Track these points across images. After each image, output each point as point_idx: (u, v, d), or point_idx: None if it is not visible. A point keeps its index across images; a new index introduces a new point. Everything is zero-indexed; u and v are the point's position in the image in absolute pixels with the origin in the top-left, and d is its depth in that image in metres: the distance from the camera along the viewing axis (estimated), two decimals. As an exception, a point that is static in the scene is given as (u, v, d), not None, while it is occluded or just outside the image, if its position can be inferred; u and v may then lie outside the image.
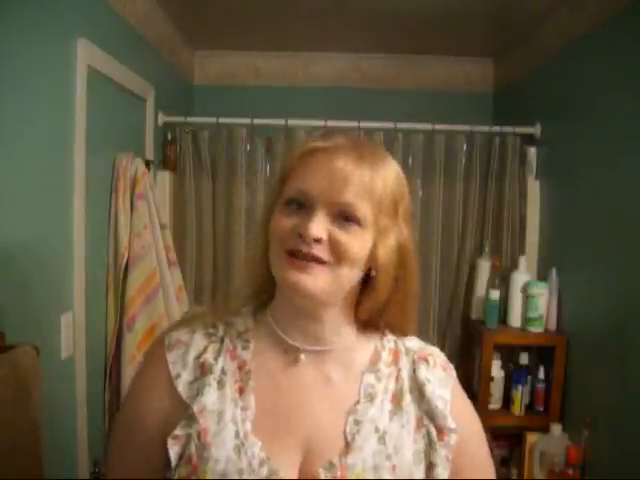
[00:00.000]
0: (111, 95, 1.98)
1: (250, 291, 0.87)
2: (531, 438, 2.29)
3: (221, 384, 0.79)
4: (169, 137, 2.60)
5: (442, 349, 2.82)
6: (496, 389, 2.37)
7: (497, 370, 2.37)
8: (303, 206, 0.77)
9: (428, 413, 0.82)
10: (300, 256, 0.75)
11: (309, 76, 3.14)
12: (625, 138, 1.89)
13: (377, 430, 0.79)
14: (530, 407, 2.35)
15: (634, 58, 1.84)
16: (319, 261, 0.75)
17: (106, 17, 1.91)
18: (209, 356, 0.81)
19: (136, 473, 0.81)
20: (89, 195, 1.76)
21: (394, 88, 3.12)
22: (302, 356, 0.82)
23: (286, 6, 2.38)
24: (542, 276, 2.42)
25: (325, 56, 3.12)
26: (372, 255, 0.79)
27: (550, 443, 2.19)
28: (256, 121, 2.51)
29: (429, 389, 0.83)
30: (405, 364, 0.85)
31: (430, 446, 0.80)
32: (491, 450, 2.58)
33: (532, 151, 2.56)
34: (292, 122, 2.50)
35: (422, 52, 3.02)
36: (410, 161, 2.63)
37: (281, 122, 2.50)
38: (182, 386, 0.79)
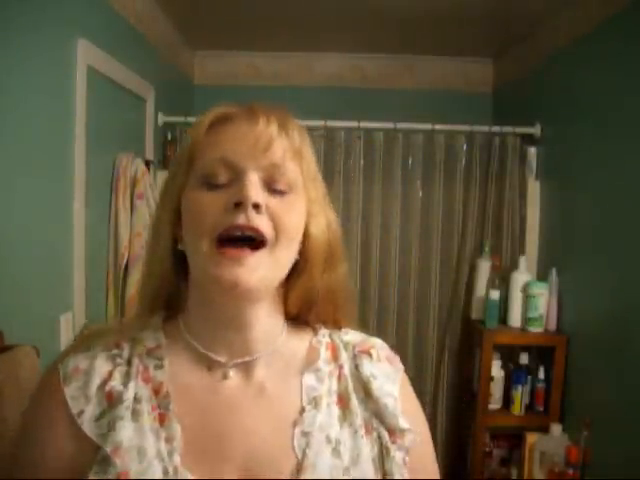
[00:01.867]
0: (111, 95, 1.99)
1: (155, 300, 0.74)
2: (531, 438, 2.29)
3: (136, 414, 0.65)
4: (169, 137, 2.60)
5: (442, 349, 2.82)
6: (496, 389, 2.37)
7: (497, 370, 2.37)
8: (226, 180, 0.65)
9: (377, 414, 0.71)
10: (234, 240, 0.63)
11: (309, 76, 3.14)
12: (625, 138, 1.89)
13: (329, 440, 0.67)
14: (530, 407, 2.35)
15: (634, 58, 1.84)
16: (256, 243, 0.64)
17: (106, 17, 1.91)
18: (116, 383, 0.67)
19: None
20: (89, 195, 1.76)
21: (394, 88, 3.12)
22: (231, 372, 0.70)
23: (286, 6, 2.38)
24: (542, 276, 2.42)
25: (325, 56, 3.12)
26: (305, 231, 0.70)
27: (550, 443, 2.19)
28: (256, 121, 2.51)
29: (375, 386, 0.72)
30: (346, 360, 0.74)
31: (383, 452, 0.69)
32: (491, 450, 2.57)
33: (532, 151, 2.56)
34: (292, 122, 2.50)
35: (422, 52, 3.02)
36: (410, 161, 2.63)
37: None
38: (87, 424, 0.65)
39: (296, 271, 0.71)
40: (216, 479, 0.64)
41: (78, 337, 0.71)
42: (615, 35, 1.96)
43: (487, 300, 2.40)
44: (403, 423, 0.70)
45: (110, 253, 1.96)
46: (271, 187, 0.66)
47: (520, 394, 2.33)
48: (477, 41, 2.82)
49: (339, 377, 0.73)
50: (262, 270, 0.64)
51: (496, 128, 2.59)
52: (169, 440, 0.65)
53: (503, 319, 2.43)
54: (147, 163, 2.17)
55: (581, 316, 2.19)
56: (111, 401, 0.66)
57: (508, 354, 2.46)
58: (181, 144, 2.60)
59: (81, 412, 0.66)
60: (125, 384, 0.67)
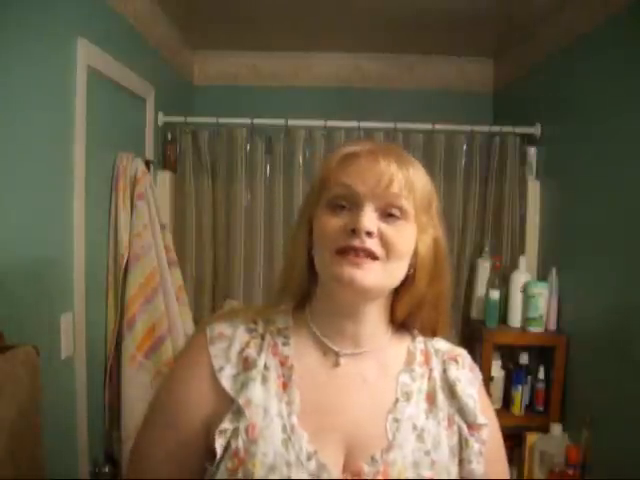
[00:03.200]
0: (111, 95, 1.98)
1: (289, 291, 0.88)
2: (531, 438, 2.29)
3: (264, 379, 0.81)
4: (169, 137, 2.60)
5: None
6: (496, 389, 2.37)
7: (497, 370, 2.38)
8: (348, 205, 0.80)
9: (459, 411, 0.85)
10: (352, 253, 0.77)
11: (309, 76, 3.14)
12: (625, 138, 1.89)
13: (415, 428, 0.82)
14: (530, 407, 2.35)
15: (634, 58, 1.84)
16: (371, 256, 0.78)
17: (106, 17, 1.91)
18: (252, 351, 0.82)
19: (171, 459, 0.82)
20: (89, 195, 1.76)
21: (394, 88, 3.12)
22: (342, 360, 0.84)
23: (286, 6, 2.38)
24: (542, 276, 2.42)
25: (325, 56, 3.11)
26: (415, 251, 0.83)
27: (550, 443, 2.19)
28: (256, 121, 2.51)
29: (460, 388, 0.86)
30: (436, 364, 0.88)
31: (462, 443, 0.84)
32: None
33: (532, 151, 2.56)
34: (292, 122, 2.51)
35: (422, 52, 3.02)
36: (410, 161, 2.63)
37: (281, 122, 2.50)
38: (225, 379, 0.80)
39: (405, 282, 0.84)
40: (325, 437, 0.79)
41: (221, 311, 0.91)
42: (615, 35, 1.96)
43: (487, 300, 2.41)
44: (481, 419, 0.85)
45: (110, 253, 1.96)
46: (385, 214, 0.80)
47: (520, 394, 2.33)
48: (477, 41, 2.82)
49: (429, 378, 0.87)
50: (375, 275, 0.78)
51: (496, 128, 2.59)
52: (289, 403, 0.80)
53: (503, 319, 2.43)
54: (147, 163, 2.17)
55: (581, 316, 2.19)
56: (246, 365, 0.82)
57: (508, 354, 2.46)
58: (181, 144, 2.60)
59: (221, 368, 0.81)
60: (258, 354, 0.83)
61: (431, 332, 0.91)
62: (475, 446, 0.84)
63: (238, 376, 0.81)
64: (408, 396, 0.84)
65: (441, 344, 0.92)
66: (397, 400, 0.84)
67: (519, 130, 2.57)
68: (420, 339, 0.91)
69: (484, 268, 2.50)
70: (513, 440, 2.43)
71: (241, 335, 0.84)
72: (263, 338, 0.85)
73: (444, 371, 0.88)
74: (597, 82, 2.08)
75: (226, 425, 0.78)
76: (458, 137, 2.61)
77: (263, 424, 0.78)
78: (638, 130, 1.81)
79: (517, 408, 2.33)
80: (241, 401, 0.78)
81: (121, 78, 2.00)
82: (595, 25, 2.06)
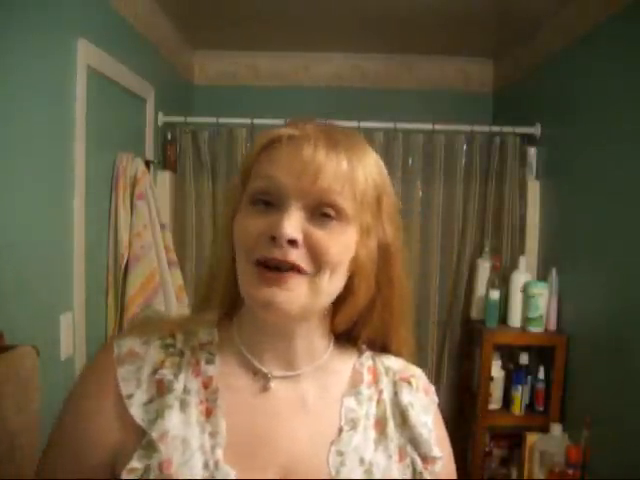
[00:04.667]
0: (111, 95, 1.98)
1: (213, 300, 0.75)
2: (531, 438, 2.29)
3: (184, 405, 0.67)
4: (169, 137, 2.60)
5: (442, 349, 2.81)
6: (496, 389, 2.37)
7: (497, 370, 2.38)
8: (272, 204, 0.65)
9: (412, 441, 0.73)
10: (273, 266, 0.63)
11: (309, 76, 3.14)
12: (625, 138, 1.88)
13: (362, 462, 0.69)
14: (530, 407, 2.35)
15: (634, 58, 1.84)
16: (296, 270, 0.64)
17: (106, 17, 1.91)
18: (167, 372, 0.68)
19: None
20: (89, 195, 1.76)
21: (394, 88, 3.12)
22: (272, 384, 0.71)
23: (286, 6, 2.38)
24: (542, 276, 2.42)
25: (325, 56, 3.12)
26: (354, 257, 0.68)
27: (550, 443, 2.19)
28: (256, 121, 2.51)
29: (413, 415, 0.74)
30: (386, 385, 0.75)
31: (417, 476, 0.72)
32: (491, 450, 2.56)
33: (532, 151, 2.56)
34: (292, 122, 2.50)
35: (422, 52, 3.02)
36: (410, 161, 2.63)
37: (281, 122, 2.48)
38: (135, 409, 0.66)
39: (345, 290, 0.70)
40: (257, 479, 0.66)
41: (134, 321, 0.73)
42: (615, 35, 1.96)
43: (487, 300, 2.41)
44: (436, 452, 0.73)
45: (110, 253, 1.96)
46: (317, 214, 0.65)
47: (520, 394, 2.33)
48: (477, 41, 2.82)
49: (378, 401, 0.74)
50: (301, 297, 0.65)
51: (496, 128, 2.59)
52: (213, 434, 0.66)
53: (503, 319, 2.43)
54: (147, 163, 2.17)
55: (581, 316, 2.19)
56: (161, 389, 0.67)
57: (508, 354, 2.46)
58: (181, 144, 2.60)
59: (130, 395, 0.67)
60: (176, 374, 0.68)
61: (381, 346, 0.78)
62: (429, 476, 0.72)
63: (151, 403, 0.66)
64: (354, 424, 0.71)
65: (392, 362, 0.78)
66: (341, 429, 0.71)
67: (519, 130, 2.57)
68: (368, 354, 0.77)
69: (484, 268, 2.51)
70: (513, 440, 2.44)
71: (155, 353, 0.69)
72: (182, 355, 0.70)
73: (395, 394, 0.75)
74: (597, 82, 2.08)
75: (135, 464, 0.63)
76: (458, 137, 2.62)
77: (181, 460, 0.64)
78: (638, 130, 1.81)
79: (517, 408, 2.33)
80: (154, 434, 0.64)
81: (121, 78, 2.00)
82: (595, 25, 2.06)
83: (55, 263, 1.61)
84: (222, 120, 2.52)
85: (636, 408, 1.76)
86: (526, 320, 2.34)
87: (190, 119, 2.58)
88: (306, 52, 3.08)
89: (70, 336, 1.67)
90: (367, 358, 0.77)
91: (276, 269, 0.63)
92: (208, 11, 2.46)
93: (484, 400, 2.33)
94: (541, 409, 2.33)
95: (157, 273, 2.05)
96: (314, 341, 0.73)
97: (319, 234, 0.64)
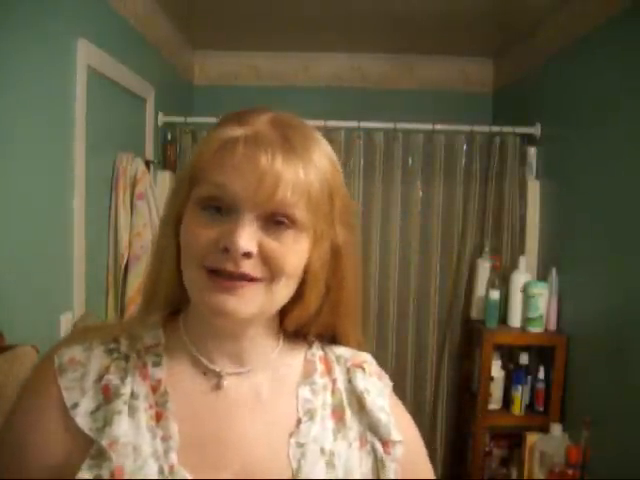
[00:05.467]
0: (111, 95, 1.99)
1: (156, 303, 0.72)
2: (531, 438, 2.29)
3: (132, 410, 0.64)
4: (169, 137, 2.60)
5: (442, 349, 2.82)
6: (496, 389, 2.37)
7: (497, 370, 2.38)
8: (222, 209, 0.63)
9: (370, 427, 0.72)
10: (225, 275, 0.62)
11: (309, 76, 3.14)
12: (625, 138, 1.89)
13: (323, 452, 0.68)
14: (530, 407, 2.35)
15: (634, 58, 1.84)
16: (249, 279, 0.62)
17: (106, 17, 1.91)
18: (113, 377, 0.65)
19: None
20: (89, 195, 1.76)
21: (394, 88, 3.12)
22: (225, 382, 0.69)
23: (286, 6, 2.38)
24: (542, 276, 2.42)
25: (325, 56, 3.12)
26: (306, 262, 0.67)
27: (550, 443, 2.19)
28: (256, 121, 2.51)
29: (369, 400, 0.72)
30: (339, 374, 0.74)
31: (379, 463, 0.70)
32: (491, 450, 2.56)
33: (532, 151, 2.56)
34: (292, 122, 2.50)
35: (422, 52, 3.02)
36: (410, 161, 2.63)
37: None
38: (81, 417, 0.63)
39: (295, 295, 0.68)
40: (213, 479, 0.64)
41: (73, 329, 0.69)
42: (615, 35, 1.96)
43: (487, 300, 2.41)
44: (396, 435, 0.71)
45: (110, 253, 1.96)
46: (270, 221, 0.63)
47: (520, 394, 2.33)
48: (477, 41, 2.82)
49: (333, 390, 0.73)
50: (255, 303, 0.63)
51: (496, 128, 2.59)
52: (165, 439, 0.64)
53: (503, 319, 2.43)
54: (147, 163, 2.17)
55: (581, 316, 2.19)
56: (107, 395, 0.64)
57: (508, 354, 2.46)
58: (181, 144, 2.60)
59: (75, 404, 0.64)
60: (122, 379, 0.66)
61: (331, 339, 0.77)
62: (391, 466, 0.70)
63: (98, 411, 0.64)
64: (311, 414, 0.70)
65: (342, 350, 0.77)
66: (299, 420, 0.69)
67: (519, 130, 2.57)
68: (317, 345, 0.76)
69: (484, 268, 2.50)
70: (513, 440, 2.44)
71: (99, 358, 0.66)
72: (127, 359, 0.67)
73: (349, 381, 0.74)
74: (597, 82, 2.08)
75: (85, 474, 0.61)
76: (458, 137, 2.62)
77: (134, 467, 0.61)
78: (638, 130, 1.81)
79: (517, 408, 2.33)
80: (104, 442, 0.61)
81: (121, 78, 2.00)
82: (595, 25, 2.06)
83: (55, 263, 1.61)
84: (222, 120, 2.52)
85: (636, 408, 1.76)
86: (526, 320, 2.34)
87: (190, 119, 2.58)
88: (306, 52, 3.08)
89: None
90: (317, 349, 0.76)
91: (228, 277, 0.62)
92: (208, 11, 2.46)
93: (484, 400, 2.33)
94: (541, 409, 2.33)
95: (157, 273, 2.05)
96: (262, 341, 0.71)
97: (273, 245, 0.63)
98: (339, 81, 3.13)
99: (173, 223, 0.67)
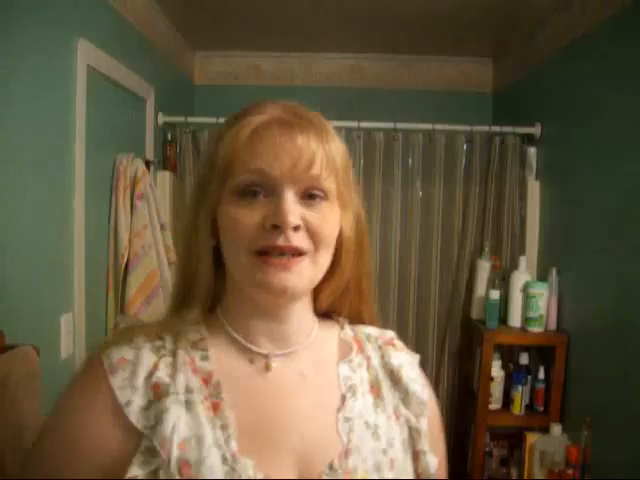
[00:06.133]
0: (111, 95, 1.99)
1: (194, 297, 0.74)
2: (531, 438, 2.29)
3: (189, 404, 0.67)
4: (169, 137, 2.60)
5: (442, 349, 2.82)
6: (496, 389, 2.37)
7: (497, 370, 2.38)
8: (260, 193, 0.67)
9: (404, 399, 0.77)
10: (275, 253, 0.66)
11: (309, 76, 3.14)
12: (625, 138, 1.88)
13: (368, 425, 0.73)
14: (530, 407, 2.35)
15: (634, 58, 1.84)
16: (298, 252, 0.67)
17: (106, 17, 1.91)
18: (162, 374, 0.68)
19: None
20: (89, 195, 1.76)
21: (394, 88, 3.12)
22: (273, 364, 0.73)
23: (286, 6, 2.38)
24: (542, 276, 2.42)
25: (325, 56, 3.12)
26: (340, 231, 0.73)
27: (550, 443, 2.19)
28: (256, 121, 2.51)
29: (404, 374, 0.78)
30: (372, 351, 0.79)
31: (413, 434, 0.76)
32: (491, 450, 2.56)
33: (532, 151, 2.56)
34: (292, 122, 2.50)
35: (422, 52, 3.02)
36: (410, 161, 2.63)
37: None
38: (134, 415, 0.65)
39: (330, 267, 0.73)
40: (274, 463, 0.67)
41: (114, 331, 0.73)
42: (615, 35, 1.96)
43: (487, 300, 2.41)
44: (427, 410, 0.78)
45: (110, 253, 1.96)
46: (306, 196, 0.68)
47: (520, 394, 2.32)
48: (477, 41, 2.82)
49: (368, 367, 0.78)
50: (306, 275, 0.68)
51: (496, 128, 2.59)
52: (224, 427, 0.67)
53: (503, 319, 2.43)
54: (147, 163, 2.17)
55: (581, 316, 2.19)
56: (157, 392, 0.67)
57: (508, 354, 2.46)
58: (181, 144, 2.60)
59: (128, 402, 0.66)
60: (172, 376, 0.68)
61: (356, 318, 0.82)
62: (424, 432, 0.76)
63: (149, 409, 0.66)
64: (353, 390, 0.74)
65: (369, 329, 0.82)
66: (344, 396, 0.73)
67: (519, 130, 2.57)
68: (347, 326, 0.81)
69: (484, 268, 2.50)
70: (513, 440, 2.44)
71: (147, 356, 0.69)
72: (175, 355, 0.70)
73: (382, 357, 0.79)
74: (597, 82, 2.08)
75: (135, 470, 0.63)
76: (458, 137, 2.62)
77: (199, 458, 0.64)
78: (638, 130, 1.81)
79: (517, 408, 2.33)
80: (156, 440, 0.64)
81: (121, 78, 2.00)
82: (595, 25, 2.06)
83: (55, 263, 1.61)
84: (222, 120, 2.50)
85: (636, 408, 1.76)
86: (526, 320, 2.34)
87: (190, 119, 2.58)
88: (306, 52, 3.08)
89: (70, 336, 1.67)
90: (348, 329, 0.81)
91: (279, 255, 0.66)
92: (208, 11, 2.46)
93: (484, 400, 2.33)
94: (541, 409, 2.33)
95: (157, 273, 2.05)
96: (305, 319, 0.76)
97: (314, 217, 0.68)
98: (339, 81, 3.13)
99: (206, 219, 0.70)
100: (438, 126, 2.56)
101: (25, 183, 1.44)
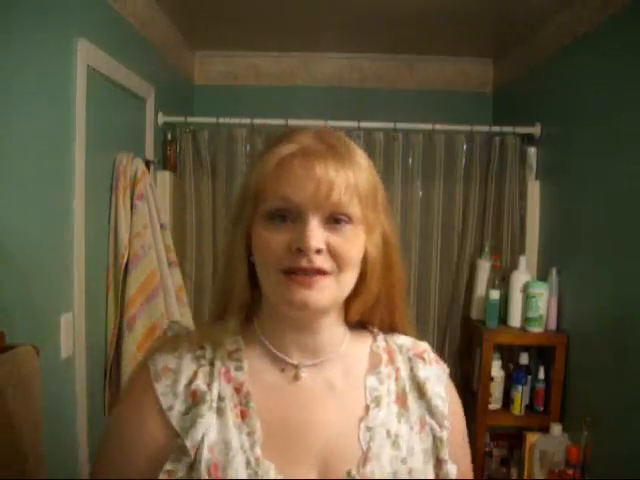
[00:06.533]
0: (111, 95, 1.98)
1: (232, 308, 0.81)
2: (531, 438, 2.29)
3: (220, 411, 0.74)
4: (169, 137, 2.60)
5: (442, 349, 2.83)
6: (496, 389, 2.37)
7: (497, 370, 2.38)
8: (288, 218, 0.73)
9: (429, 411, 0.82)
10: (301, 273, 0.71)
11: (309, 76, 3.14)
12: (625, 138, 1.89)
13: (389, 434, 0.78)
14: (530, 407, 2.35)
15: (634, 58, 1.84)
16: (322, 272, 0.72)
17: (106, 17, 1.91)
18: (200, 382, 0.75)
19: None
20: (89, 195, 1.76)
21: (394, 88, 3.12)
22: (302, 374, 0.79)
23: (286, 6, 2.38)
24: (542, 276, 2.42)
25: (325, 56, 3.12)
26: (365, 252, 0.77)
27: (550, 443, 2.19)
28: (256, 121, 2.51)
29: (429, 387, 0.83)
30: (402, 363, 0.84)
31: (437, 443, 0.80)
32: (490, 451, 2.56)
33: (532, 151, 2.56)
34: (292, 122, 2.50)
35: (422, 52, 3.02)
36: (410, 161, 2.63)
37: (281, 122, 2.50)
38: (175, 419, 0.74)
39: (358, 283, 0.78)
40: (295, 470, 0.73)
41: (162, 337, 0.82)
42: (615, 35, 1.96)
43: (487, 300, 2.41)
44: (447, 422, 0.82)
45: (110, 253, 1.96)
46: (331, 221, 0.73)
47: (520, 394, 2.33)
48: (477, 41, 2.82)
49: (396, 378, 0.83)
50: (329, 292, 0.73)
51: (496, 128, 2.59)
52: (250, 434, 0.74)
53: (503, 319, 2.43)
54: (147, 163, 2.17)
55: (581, 316, 2.19)
56: (195, 399, 0.75)
57: (508, 354, 2.46)
58: (181, 144, 2.60)
59: (170, 407, 0.74)
60: (209, 384, 0.76)
61: (389, 327, 0.87)
62: (446, 442, 0.81)
63: (187, 414, 0.74)
64: (378, 401, 0.80)
65: (402, 340, 0.87)
66: (368, 407, 0.79)
67: (519, 130, 2.57)
68: (381, 337, 0.86)
69: (484, 268, 2.50)
70: (513, 440, 2.44)
71: (187, 366, 0.77)
72: (212, 364, 0.77)
73: (411, 369, 0.84)
74: (597, 82, 2.08)
75: (169, 466, 0.72)
76: (458, 137, 2.62)
77: (226, 461, 0.71)
78: (638, 130, 1.81)
79: (517, 408, 2.33)
80: (188, 442, 0.72)
81: (121, 78, 2.00)
82: (595, 25, 2.06)
83: (55, 263, 1.61)
84: (222, 120, 2.52)
85: (636, 408, 1.76)
86: (526, 320, 2.34)
87: (190, 119, 2.58)
88: (306, 52, 3.08)
89: (70, 336, 1.67)
90: (381, 340, 0.85)
91: (304, 274, 0.71)
92: (208, 11, 2.46)
93: (484, 400, 2.33)
94: (541, 409, 2.33)
95: (157, 273, 2.05)
96: (334, 331, 0.81)
97: (337, 240, 0.73)
98: (339, 81, 3.13)
99: (242, 238, 0.77)
100: (438, 126, 2.56)
101: (25, 183, 1.44)
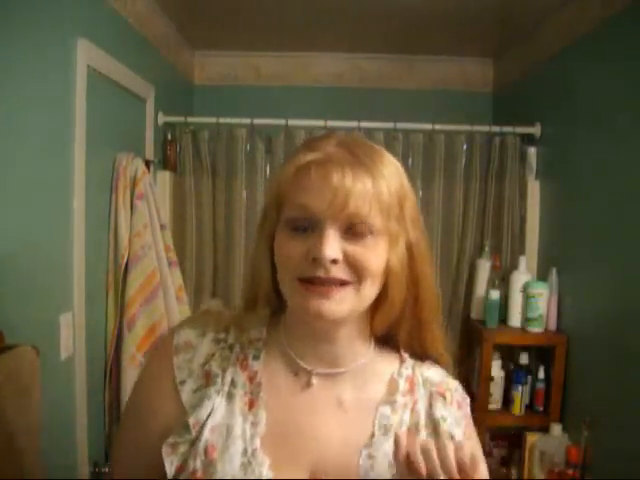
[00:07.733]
0: (111, 95, 1.98)
1: (260, 301, 0.82)
2: (531, 438, 2.29)
3: (230, 396, 0.75)
4: (169, 137, 2.60)
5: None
6: (496, 389, 2.37)
7: (497, 370, 2.37)
8: (308, 226, 0.71)
9: None
10: (317, 282, 0.70)
11: (309, 76, 3.14)
12: (625, 138, 1.88)
13: (391, 466, 0.73)
14: (530, 407, 2.35)
15: (634, 58, 1.83)
16: (340, 282, 0.71)
17: (106, 17, 1.91)
18: (215, 365, 0.76)
19: (139, 472, 0.78)
20: (89, 195, 1.76)
21: (394, 88, 3.12)
22: (314, 381, 0.77)
23: (286, 6, 2.38)
24: (542, 276, 2.42)
25: (325, 56, 3.12)
26: (387, 263, 0.74)
27: (550, 443, 2.19)
28: (256, 121, 2.51)
29: (444, 428, 0.79)
30: (422, 396, 0.81)
31: None
32: (490, 451, 2.56)
33: (532, 151, 2.56)
34: (292, 122, 2.51)
35: (422, 52, 3.02)
36: (410, 161, 2.63)
37: (281, 122, 2.50)
38: (185, 394, 0.75)
39: (380, 296, 0.76)
40: (288, 469, 0.72)
41: (197, 311, 0.84)
42: (615, 35, 1.96)
43: (487, 300, 2.41)
44: None
45: (110, 253, 1.96)
46: (350, 232, 0.71)
47: (520, 394, 2.32)
48: (477, 41, 2.82)
49: (412, 410, 0.79)
50: (347, 304, 0.72)
51: (496, 128, 2.59)
52: (254, 424, 0.74)
53: (503, 319, 2.43)
54: (147, 163, 2.17)
55: (581, 316, 2.19)
56: (207, 380, 0.76)
57: (508, 354, 2.46)
58: (181, 144, 2.60)
59: (183, 382, 0.76)
60: (224, 369, 0.76)
61: (418, 344, 0.83)
62: None
63: (197, 392, 0.75)
64: (386, 429, 0.76)
65: (432, 372, 0.83)
66: (373, 434, 0.76)
67: (519, 130, 2.57)
68: (409, 364, 0.83)
69: (484, 268, 2.50)
70: (513, 440, 2.44)
71: (207, 345, 0.78)
72: (232, 350, 0.78)
73: (430, 406, 0.80)
74: (597, 82, 2.08)
75: (172, 439, 0.73)
76: (458, 137, 2.61)
77: (224, 445, 0.72)
78: (638, 130, 1.81)
79: (517, 408, 2.33)
80: (191, 420, 0.73)
81: (121, 78, 2.00)
82: (595, 25, 2.06)
83: (55, 263, 1.61)
84: (222, 120, 2.52)
85: (636, 408, 1.76)
86: (526, 320, 2.34)
87: (190, 119, 2.58)
88: (306, 52, 3.08)
89: (70, 336, 1.67)
90: (407, 368, 0.82)
91: (320, 283, 0.70)
92: (208, 11, 2.46)
93: (484, 400, 2.33)
94: (541, 409, 2.33)
95: (157, 273, 2.05)
96: (355, 342, 0.79)
97: (356, 250, 0.71)
98: (339, 81, 3.13)
99: (266, 241, 0.77)
100: (438, 126, 2.56)
101: (25, 183, 1.44)
